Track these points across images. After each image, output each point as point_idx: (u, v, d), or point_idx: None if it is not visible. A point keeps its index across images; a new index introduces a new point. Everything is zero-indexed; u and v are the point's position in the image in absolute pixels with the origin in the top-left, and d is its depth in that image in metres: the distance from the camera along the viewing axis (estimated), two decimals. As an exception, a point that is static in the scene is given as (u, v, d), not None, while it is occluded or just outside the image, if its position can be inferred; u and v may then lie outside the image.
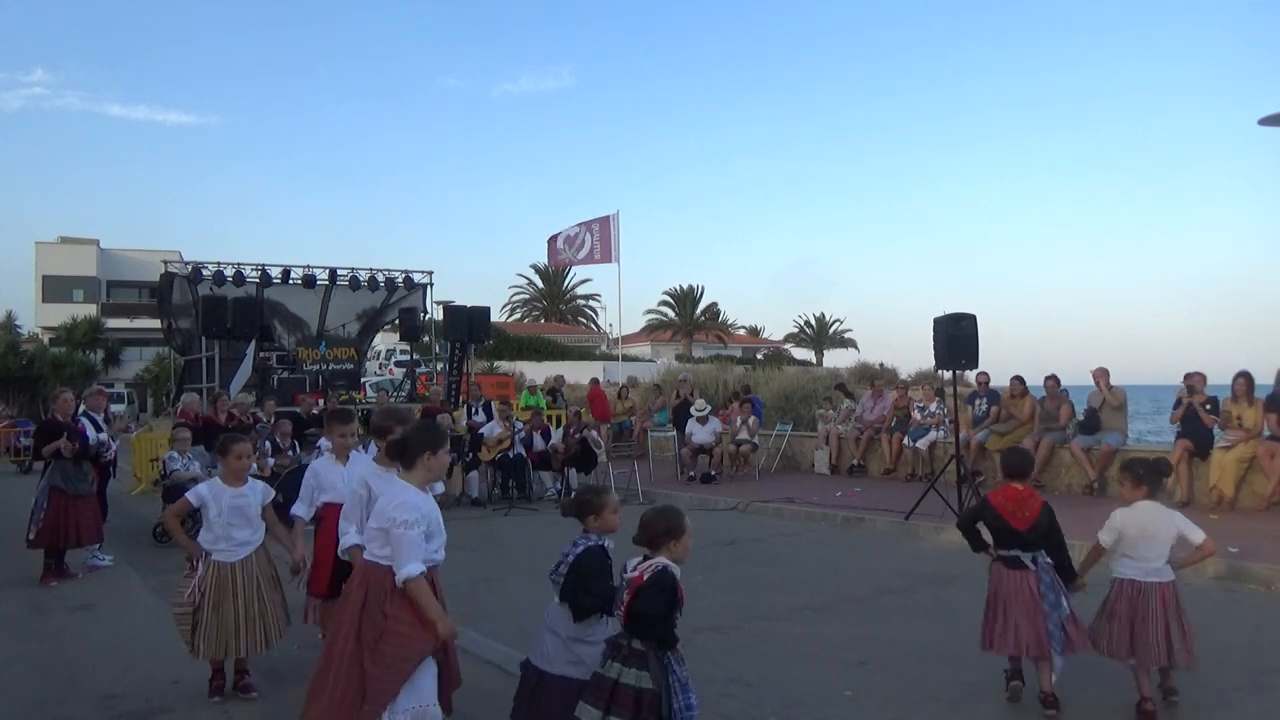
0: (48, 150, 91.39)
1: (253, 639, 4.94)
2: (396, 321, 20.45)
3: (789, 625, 6.55)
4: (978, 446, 12.66)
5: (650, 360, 42.88)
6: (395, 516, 3.54)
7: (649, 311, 63.02)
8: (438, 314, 19.46)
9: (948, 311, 10.42)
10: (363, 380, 22.07)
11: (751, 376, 23.82)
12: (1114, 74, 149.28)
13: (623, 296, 45.92)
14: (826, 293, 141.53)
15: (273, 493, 5.28)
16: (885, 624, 6.54)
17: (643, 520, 3.53)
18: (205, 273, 17.10)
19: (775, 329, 71.88)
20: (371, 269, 18.90)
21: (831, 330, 68.11)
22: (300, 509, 5.23)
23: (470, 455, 13.13)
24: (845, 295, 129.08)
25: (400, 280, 19.22)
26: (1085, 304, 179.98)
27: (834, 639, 6.16)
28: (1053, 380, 12.65)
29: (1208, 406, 10.78)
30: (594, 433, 14.55)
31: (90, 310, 48.25)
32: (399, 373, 28.97)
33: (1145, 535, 4.60)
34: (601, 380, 19.96)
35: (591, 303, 63.64)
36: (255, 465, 7.33)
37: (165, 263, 19.56)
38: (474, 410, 14.44)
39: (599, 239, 21.41)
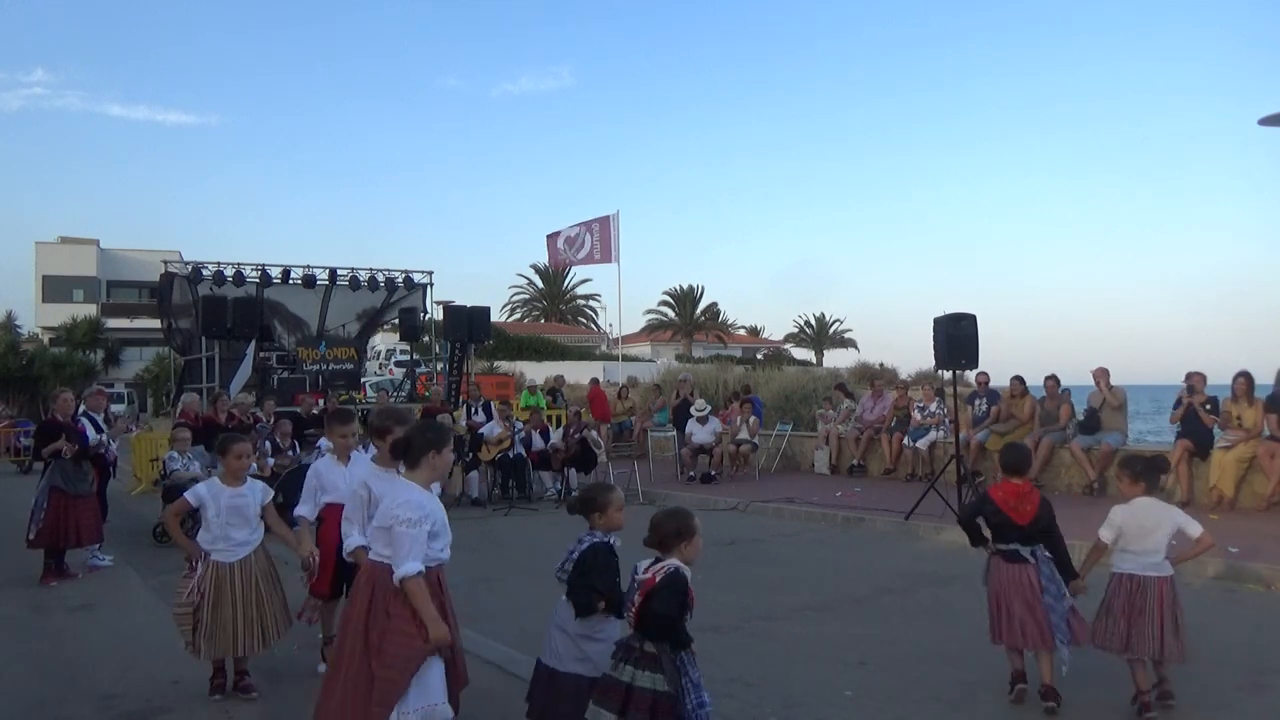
0: (48, 150, 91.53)
1: (251, 639, 4.94)
2: (396, 321, 20.45)
3: (789, 625, 6.55)
4: (978, 446, 12.66)
5: (650, 360, 42.89)
6: (399, 514, 3.53)
7: (649, 311, 63.14)
8: (438, 314, 19.48)
9: (948, 311, 10.43)
10: (363, 380, 22.07)
11: (751, 376, 23.83)
12: (1114, 74, 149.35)
13: (623, 296, 45.97)
14: (826, 293, 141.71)
15: (272, 493, 5.28)
16: (885, 624, 6.54)
17: (653, 522, 3.53)
18: (205, 273, 17.09)
19: (775, 329, 72.01)
20: (371, 269, 18.91)
21: (831, 330, 68.13)
22: (304, 509, 5.23)
23: (470, 455, 13.13)
24: (845, 295, 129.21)
25: (400, 280, 19.23)
26: (1085, 304, 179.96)
27: (834, 639, 6.16)
28: (1053, 380, 12.65)
29: (1208, 406, 10.78)
30: (594, 433, 14.56)
31: (90, 310, 48.26)
32: (399, 373, 28.98)
33: (1144, 530, 4.64)
34: (601, 380, 19.97)
35: (591, 303, 63.75)
36: (255, 465, 7.34)
37: (165, 263, 19.56)
38: (474, 410, 14.44)
39: (599, 239, 21.41)
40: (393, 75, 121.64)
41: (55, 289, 49.80)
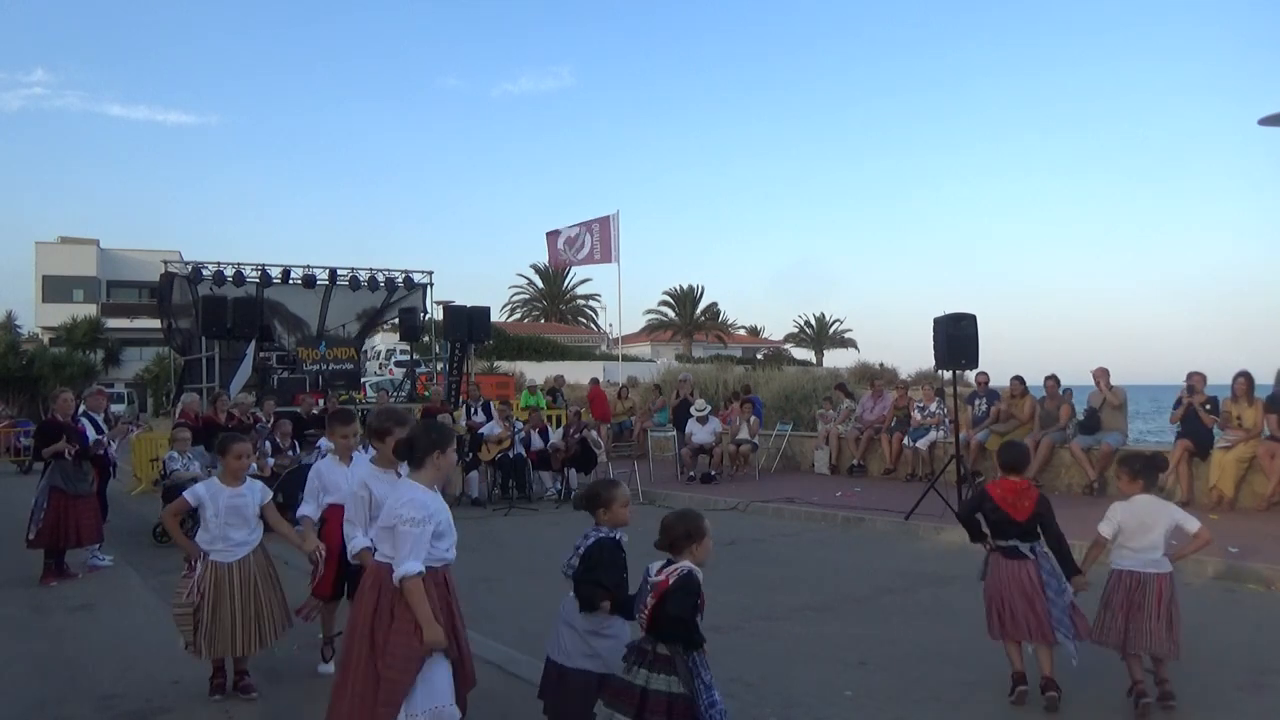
0: (48, 150, 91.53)
1: (249, 639, 4.94)
2: (396, 321, 20.44)
3: (789, 625, 6.55)
4: (978, 446, 12.66)
5: (650, 360, 42.89)
6: (402, 513, 3.51)
7: (649, 311, 63.13)
8: (438, 314, 19.47)
9: (948, 311, 10.43)
10: (363, 380, 22.07)
11: (751, 376, 23.83)
12: (1114, 74, 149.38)
13: (623, 296, 46.02)
14: (826, 293, 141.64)
15: (270, 493, 5.27)
16: (885, 624, 6.54)
17: (663, 524, 3.53)
18: (205, 273, 17.09)
19: (775, 329, 72.01)
20: (371, 269, 18.90)
21: (831, 330, 68.13)
22: (308, 509, 5.22)
23: (470, 455, 13.13)
24: (845, 295, 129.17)
25: (400, 280, 19.22)
26: (1085, 304, 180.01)
27: (834, 639, 6.16)
28: (1053, 380, 12.65)
29: (1208, 406, 10.79)
30: (594, 433, 14.56)
31: (90, 310, 48.26)
32: (399, 373, 28.98)
33: (1143, 527, 4.70)
34: (601, 380, 19.97)
35: (591, 303, 63.75)
36: (255, 465, 7.34)
37: (165, 263, 19.56)
38: (473, 410, 14.45)
39: (599, 239, 21.41)
40: (393, 75, 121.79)
41: (55, 289, 49.80)
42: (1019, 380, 13.08)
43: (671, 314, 61.50)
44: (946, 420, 13.46)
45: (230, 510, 4.98)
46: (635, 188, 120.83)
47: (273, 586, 5.13)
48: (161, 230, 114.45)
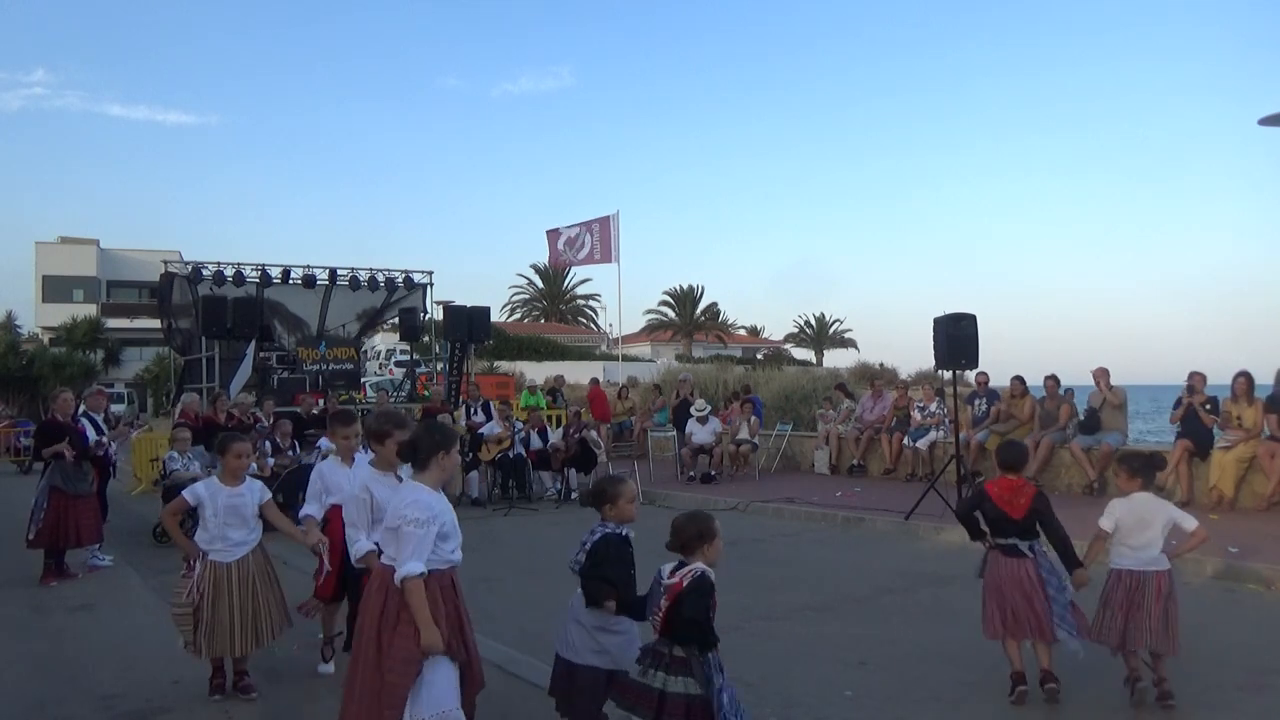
0: (48, 150, 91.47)
1: (247, 638, 4.94)
2: (396, 321, 20.43)
3: (789, 625, 6.55)
4: (978, 446, 12.66)
5: (650, 360, 42.89)
6: (406, 514, 3.50)
7: (649, 311, 63.12)
8: (438, 314, 19.45)
9: (948, 311, 10.43)
10: (363, 380, 22.05)
11: (751, 376, 23.83)
12: (1114, 74, 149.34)
13: (623, 296, 45.91)
14: (826, 293, 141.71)
15: (269, 493, 5.27)
16: (885, 624, 6.54)
17: (674, 526, 3.53)
18: (205, 273, 17.07)
19: (775, 329, 72.00)
20: (371, 269, 18.88)
21: (831, 330, 68.12)
22: (312, 509, 5.21)
23: (470, 455, 13.13)
24: (845, 295, 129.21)
25: (400, 280, 19.20)
26: (1085, 304, 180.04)
27: (834, 639, 6.16)
28: (1052, 380, 12.65)
29: (1208, 406, 10.78)
30: (593, 433, 14.56)
31: (90, 310, 48.25)
32: (399, 373, 28.97)
33: (1142, 524, 4.74)
34: (601, 380, 19.97)
35: (591, 303, 63.73)
36: (255, 465, 7.34)
37: (165, 263, 19.53)
38: (473, 410, 14.44)
39: (599, 239, 21.40)
40: (393, 75, 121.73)
41: (55, 289, 49.80)
42: (1019, 380, 13.09)
43: (671, 314, 61.50)
44: (946, 420, 13.46)
45: (228, 510, 4.98)
46: (635, 188, 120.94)
47: (271, 587, 5.13)
48: (161, 230, 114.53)
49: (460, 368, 17.30)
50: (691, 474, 14.71)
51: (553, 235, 22.32)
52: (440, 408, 14.27)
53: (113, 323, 47.80)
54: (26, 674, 5.71)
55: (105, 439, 9.24)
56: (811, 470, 15.53)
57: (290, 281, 18.08)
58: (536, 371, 33.85)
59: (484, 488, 13.39)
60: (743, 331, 68.76)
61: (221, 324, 15.59)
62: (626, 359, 40.17)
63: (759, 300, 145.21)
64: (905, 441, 13.91)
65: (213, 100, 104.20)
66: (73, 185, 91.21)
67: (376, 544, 4.07)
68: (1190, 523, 4.76)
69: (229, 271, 17.05)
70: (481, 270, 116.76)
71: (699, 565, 3.42)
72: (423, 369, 22.39)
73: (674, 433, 16.00)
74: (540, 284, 63.98)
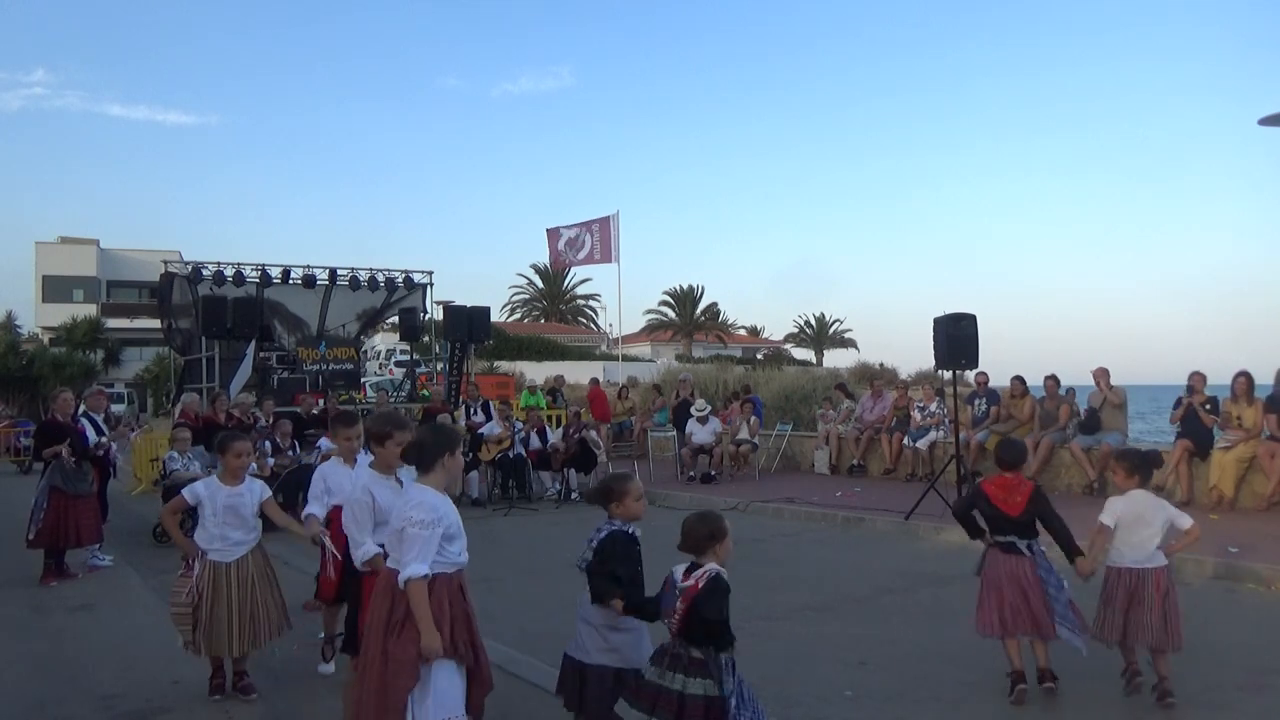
0: (48, 150, 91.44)
1: (245, 639, 4.93)
2: (396, 321, 20.43)
3: (789, 625, 6.55)
4: (978, 446, 12.66)
5: (650, 360, 42.88)
6: (412, 516, 3.47)
7: (649, 311, 63.13)
8: (438, 314, 19.45)
9: (948, 311, 10.43)
10: (363, 380, 22.05)
11: (751, 376, 23.84)
12: (1114, 74, 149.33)
13: (623, 296, 46.04)
14: (826, 293, 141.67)
15: (269, 491, 5.27)
16: (885, 624, 6.54)
17: (685, 527, 3.53)
18: (205, 273, 17.06)
19: (775, 329, 72.01)
20: (371, 269, 18.87)
21: (831, 330, 68.13)
22: (315, 508, 5.19)
23: (470, 455, 13.13)
24: (845, 295, 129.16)
25: (400, 280, 19.20)
26: (1085, 304, 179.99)
27: (834, 639, 6.16)
28: (1052, 380, 12.65)
29: (1208, 406, 10.78)
30: (593, 433, 14.55)
31: (90, 310, 48.24)
32: (399, 373, 28.96)
33: (1141, 521, 4.77)
34: (601, 380, 19.96)
35: (591, 303, 63.74)
36: (255, 465, 7.34)
37: (165, 263, 19.52)
38: (473, 410, 14.44)
39: (599, 239, 21.42)
40: (393, 75, 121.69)
41: (55, 289, 49.79)
42: (1019, 380, 13.09)
43: (671, 314, 61.50)
44: (946, 420, 13.46)
45: (228, 510, 4.97)
46: (635, 188, 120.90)
47: (270, 588, 5.12)
48: (161, 230, 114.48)
49: (460, 368, 17.31)
50: (691, 474, 14.70)
51: (553, 235, 22.33)
52: (440, 408, 14.27)
53: (113, 323, 47.80)
54: (26, 674, 5.71)
55: (105, 439, 9.24)
56: (811, 470, 15.53)
57: (290, 281, 18.08)
58: (536, 371, 33.85)
59: (484, 488, 13.39)
60: (743, 331, 68.77)
61: (221, 324, 15.58)
62: (626, 359, 40.17)
63: (759, 300, 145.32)
64: (905, 441, 13.91)
65: (213, 100, 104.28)
66: (73, 185, 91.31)
67: (381, 545, 4.05)
68: (1185, 521, 4.81)
69: (229, 271, 17.04)
70: (481, 270, 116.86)
71: (713, 566, 3.42)
72: (423, 369, 22.39)
73: (674, 433, 15.99)
74: (540, 284, 63.99)
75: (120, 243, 53.54)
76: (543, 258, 54.58)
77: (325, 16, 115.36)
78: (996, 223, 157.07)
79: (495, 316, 27.37)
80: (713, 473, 14.39)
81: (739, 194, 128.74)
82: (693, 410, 14.87)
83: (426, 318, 20.20)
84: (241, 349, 16.43)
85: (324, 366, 18.36)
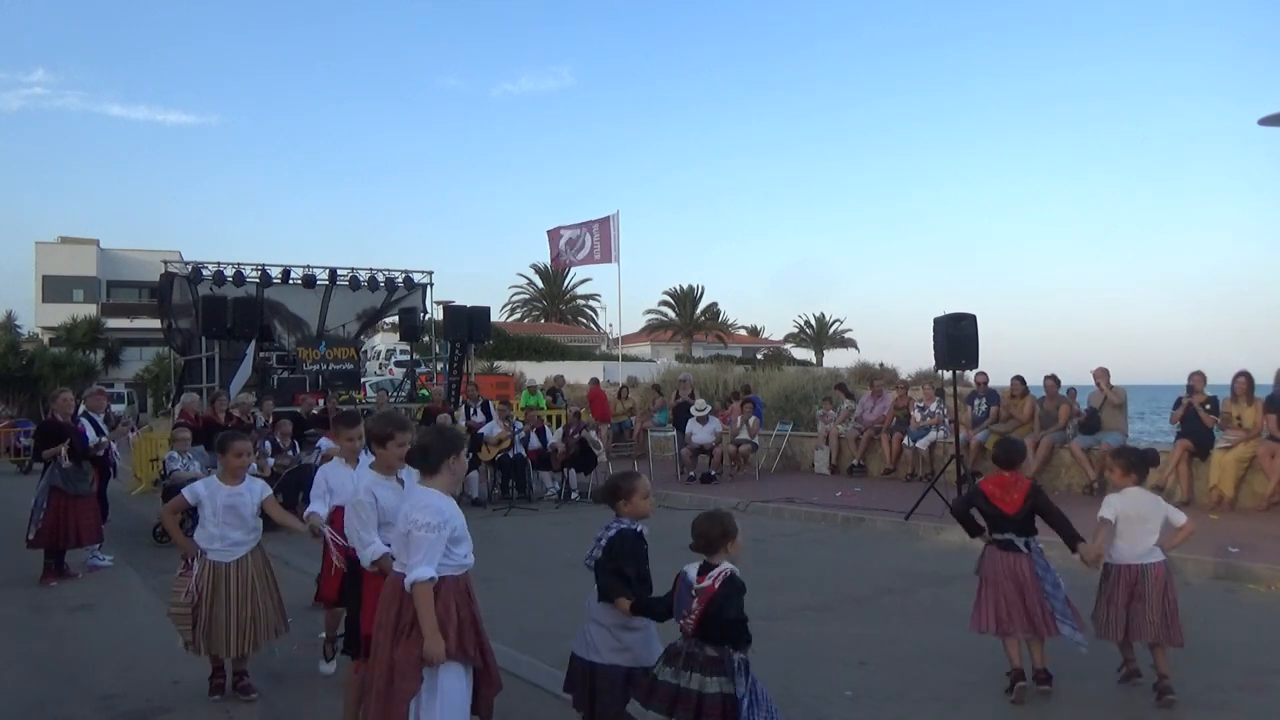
0: (48, 150, 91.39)
1: (244, 639, 4.93)
2: (396, 321, 20.42)
3: (789, 625, 6.54)
4: (978, 446, 12.66)
5: (650, 360, 42.89)
6: (417, 519, 3.45)
7: (649, 311, 63.14)
8: (438, 314, 19.45)
9: (948, 311, 10.43)
10: (363, 380, 22.06)
11: (751, 376, 23.84)
12: (1114, 74, 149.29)
13: (623, 296, 46.03)
14: (826, 293, 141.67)
15: (270, 491, 5.27)
16: (885, 624, 6.54)
17: (697, 528, 3.53)
18: (205, 273, 17.07)
19: (775, 329, 72.02)
20: (371, 269, 18.88)
21: (831, 330, 68.14)
22: (317, 506, 5.19)
23: (470, 455, 13.13)
24: (845, 295, 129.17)
25: (400, 280, 19.21)
26: (1085, 304, 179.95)
27: (834, 639, 6.17)
28: (1052, 380, 12.65)
29: (1208, 406, 10.78)
30: (593, 433, 14.55)
31: (90, 310, 48.24)
32: (399, 373, 28.96)
33: (1139, 518, 4.81)
34: (601, 380, 19.95)
35: (591, 303, 63.75)
36: (255, 465, 7.34)
37: (165, 263, 19.52)
38: (472, 410, 14.44)
39: (599, 239, 21.42)
40: (393, 75, 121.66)
41: (55, 289, 49.79)
42: (1019, 380, 13.09)
43: (671, 314, 61.51)
44: (946, 420, 13.46)
45: (228, 509, 4.97)
46: (635, 188, 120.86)
47: (269, 589, 5.11)
48: (161, 230, 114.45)
49: (460, 368, 17.31)
50: (691, 474, 14.70)
51: (553, 236, 22.33)
52: (440, 408, 14.27)
53: (113, 323, 47.79)
54: (26, 674, 5.71)
55: (105, 439, 9.24)
56: (811, 470, 15.53)
57: (290, 281, 18.08)
58: (536, 371, 33.86)
59: (484, 488, 13.39)
60: (743, 331, 68.77)
61: (221, 324, 15.59)
62: (626, 359, 40.17)
63: (759, 300, 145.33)
64: (905, 441, 13.91)
65: (213, 100, 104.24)
66: (73, 185, 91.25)
67: (388, 545, 4.04)
68: (1180, 517, 4.85)
69: (229, 271, 17.05)
70: (481, 270, 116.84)
71: (727, 566, 3.43)
72: (423, 369, 22.39)
73: (674, 433, 15.99)
74: (540, 284, 64.00)
75: (120, 243, 53.63)
76: (542, 258, 54.78)
77: (325, 16, 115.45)
78: (996, 223, 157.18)
79: (495, 316, 27.39)
80: (713, 473, 14.39)
81: (739, 194, 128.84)
82: (693, 410, 14.87)
83: (426, 318, 20.20)
84: (241, 349, 16.44)
85: (324, 366, 18.36)
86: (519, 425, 13.74)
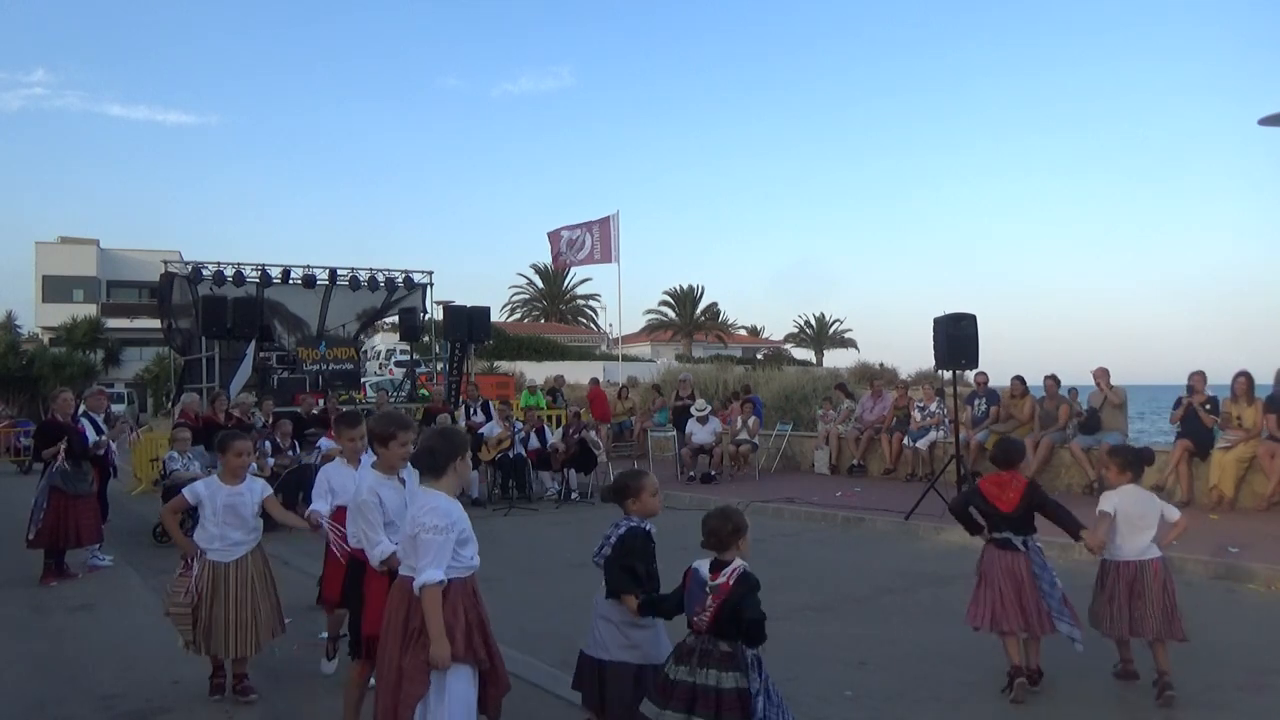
0: (48, 150, 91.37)
1: (243, 640, 4.92)
2: (396, 321, 20.42)
3: (789, 625, 6.53)
4: (977, 446, 12.66)
5: (650, 360, 42.89)
6: (425, 521, 3.44)
7: (649, 311, 63.15)
8: (438, 314, 19.46)
9: (948, 311, 10.43)
10: (363, 380, 22.06)
11: (751, 376, 23.84)
12: (1114, 74, 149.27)
13: (623, 296, 46.03)
14: (826, 293, 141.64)
15: (270, 490, 5.27)
16: (885, 624, 6.54)
17: (708, 525, 3.53)
18: (205, 273, 17.07)
19: (775, 329, 72.02)
20: (371, 269, 18.88)
21: (831, 330, 68.14)
22: (319, 505, 5.18)
23: (470, 455, 13.11)
24: (845, 295, 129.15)
25: (400, 280, 19.21)
26: (1085, 304, 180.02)
27: (834, 639, 6.17)
28: (1052, 380, 12.65)
29: (1208, 406, 10.78)
30: (593, 433, 14.55)
31: (90, 310, 48.24)
32: (399, 373, 28.97)
33: (1136, 515, 4.84)
34: (601, 380, 19.97)
35: (591, 303, 63.75)
36: (255, 465, 7.34)
37: (165, 263, 19.53)
38: (472, 410, 14.44)
39: (599, 239, 21.43)
40: (393, 75, 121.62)
41: (55, 289, 49.79)
42: (1019, 380, 13.09)
43: (671, 314, 61.51)
44: (946, 420, 13.46)
45: (227, 509, 4.96)
46: (635, 188, 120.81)
47: (268, 591, 5.11)
48: (161, 230, 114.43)
49: (460, 368, 17.31)
50: (691, 474, 14.70)
51: (554, 237, 22.34)
52: (440, 408, 14.27)
53: (113, 323, 47.79)
54: (26, 674, 5.71)
55: (105, 437, 9.24)
56: (811, 470, 15.53)
57: (290, 281, 18.09)
58: (536, 371, 33.86)
59: (484, 488, 13.39)
60: (743, 331, 68.78)
61: (221, 324, 15.59)
62: (626, 359, 40.18)
63: (759, 300, 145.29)
64: (905, 441, 13.91)
65: (213, 100, 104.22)
66: (73, 185, 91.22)
67: (397, 544, 4.03)
68: (1173, 513, 4.89)
69: (229, 271, 17.05)
70: (481, 270, 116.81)
71: (740, 562, 3.46)
72: (423, 369, 22.39)
73: (674, 433, 16.00)
74: (540, 284, 64.00)
75: (120, 243, 53.62)
76: (542, 257, 54.86)
77: (325, 16, 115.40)
78: (996, 223, 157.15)
79: (495, 316, 27.39)
80: (713, 473, 14.39)
81: (739, 194, 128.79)
82: (693, 410, 14.87)
83: (426, 318, 20.21)
84: (241, 349, 16.44)
85: (324, 366, 18.37)
86: (519, 425, 13.74)
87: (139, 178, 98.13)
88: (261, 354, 16.82)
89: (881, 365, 35.45)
